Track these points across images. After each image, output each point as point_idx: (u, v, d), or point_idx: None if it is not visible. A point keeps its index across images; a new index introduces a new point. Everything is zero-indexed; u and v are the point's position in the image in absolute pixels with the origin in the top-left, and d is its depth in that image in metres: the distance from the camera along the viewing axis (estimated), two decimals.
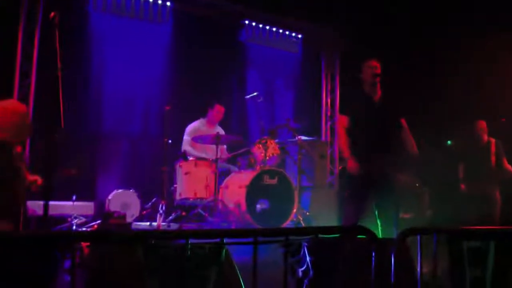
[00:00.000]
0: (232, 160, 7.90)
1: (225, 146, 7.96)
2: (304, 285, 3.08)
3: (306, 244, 2.99)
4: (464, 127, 7.32)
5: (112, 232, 2.74)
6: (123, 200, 7.23)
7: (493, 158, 6.92)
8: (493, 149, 6.96)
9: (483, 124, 7.05)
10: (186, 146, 7.62)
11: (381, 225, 4.88)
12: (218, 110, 7.73)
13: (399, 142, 4.97)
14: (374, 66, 5.03)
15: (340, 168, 5.16)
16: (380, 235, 4.84)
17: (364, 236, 2.78)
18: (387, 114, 4.98)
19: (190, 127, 7.73)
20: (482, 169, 6.88)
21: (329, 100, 10.54)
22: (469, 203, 6.89)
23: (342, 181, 5.21)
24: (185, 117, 8.00)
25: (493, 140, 7.02)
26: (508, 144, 7.03)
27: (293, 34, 10.27)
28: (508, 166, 6.95)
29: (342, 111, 5.24)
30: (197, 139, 7.34)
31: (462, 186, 6.95)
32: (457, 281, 3.46)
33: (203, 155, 7.44)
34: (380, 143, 4.91)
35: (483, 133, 7.04)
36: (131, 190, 7.35)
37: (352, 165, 4.82)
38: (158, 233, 3.00)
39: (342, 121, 5.06)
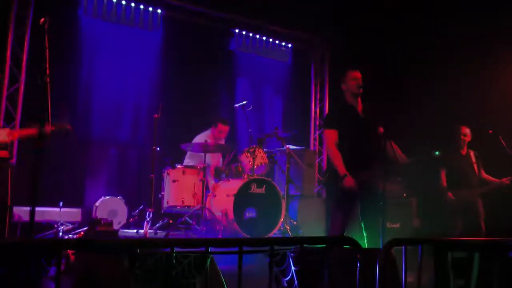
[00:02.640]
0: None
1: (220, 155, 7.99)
2: None
3: (291, 254, 3.00)
4: (448, 134, 7.33)
5: (97, 241, 2.74)
6: (110, 207, 7.21)
7: (475, 168, 6.96)
8: (473, 159, 6.99)
9: (466, 130, 7.04)
10: (188, 159, 7.65)
11: (367, 236, 4.89)
12: (220, 130, 7.63)
13: (385, 152, 4.96)
14: (358, 77, 5.00)
15: (325, 177, 5.08)
16: (366, 246, 4.86)
17: (349, 247, 2.80)
18: (372, 124, 4.98)
19: (198, 138, 7.63)
20: (467, 178, 6.90)
21: (318, 110, 10.59)
22: (455, 213, 6.90)
23: (328, 191, 5.13)
24: (174, 125, 8.02)
25: (471, 151, 7.04)
26: (497, 154, 7.04)
27: (283, 44, 10.31)
28: (488, 176, 7.00)
29: (329, 125, 5.08)
30: (185, 147, 7.34)
31: (450, 195, 6.91)
32: None
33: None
34: (366, 154, 4.92)
35: (467, 139, 7.02)
36: (118, 197, 7.34)
37: (350, 182, 4.73)
38: (143, 242, 3.00)
39: (331, 135, 4.95)
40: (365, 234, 4.87)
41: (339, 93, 5.20)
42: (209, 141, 7.35)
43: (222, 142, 7.79)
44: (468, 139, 7.00)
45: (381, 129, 4.98)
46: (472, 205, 6.80)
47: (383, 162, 4.90)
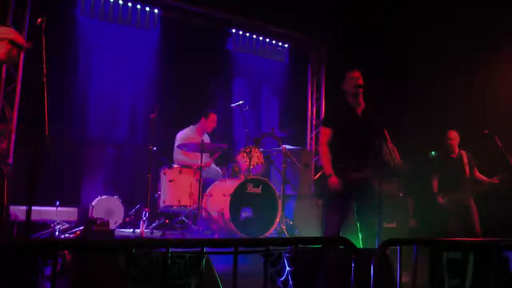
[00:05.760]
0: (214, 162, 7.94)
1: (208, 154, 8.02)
2: None
3: (286, 254, 3.01)
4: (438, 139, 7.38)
5: (92, 241, 2.75)
6: (107, 207, 7.21)
7: (467, 169, 6.99)
8: (465, 160, 7.03)
9: (452, 134, 7.09)
10: (177, 155, 7.62)
11: (362, 237, 4.90)
12: (212, 119, 7.74)
13: (382, 153, 4.97)
14: (356, 77, 5.03)
15: (317, 176, 5.08)
16: (361, 246, 4.87)
17: (343, 247, 2.82)
18: (369, 125, 4.99)
19: (181, 134, 7.72)
20: (458, 181, 6.94)
21: (314, 110, 10.62)
22: (449, 216, 6.95)
23: (320, 191, 5.14)
24: (171, 124, 8.02)
25: (463, 152, 7.09)
26: (493, 154, 7.05)
27: (280, 44, 10.33)
28: (481, 176, 7.04)
29: (324, 123, 5.18)
30: (182, 146, 7.35)
31: (440, 199, 6.99)
32: None
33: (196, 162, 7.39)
34: (362, 154, 4.94)
35: (455, 143, 7.08)
36: (115, 197, 7.34)
37: (334, 182, 4.79)
38: (138, 242, 3.01)
39: (325, 133, 5.03)
40: (360, 235, 4.89)
41: (336, 93, 5.23)
42: (194, 136, 7.52)
43: (208, 139, 7.84)
44: (455, 142, 7.06)
45: (385, 131, 5.00)
46: (464, 208, 6.85)
47: (379, 163, 4.91)
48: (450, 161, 7.07)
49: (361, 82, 5.02)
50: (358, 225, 4.93)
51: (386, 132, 5.03)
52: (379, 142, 4.93)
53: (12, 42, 4.42)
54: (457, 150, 7.11)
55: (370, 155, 4.95)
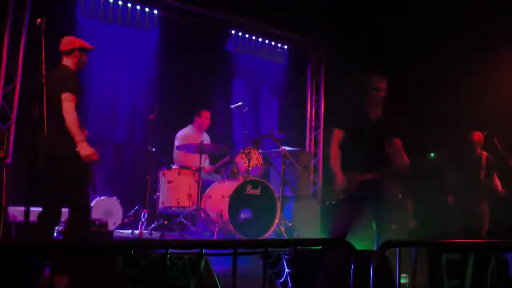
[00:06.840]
0: (215, 170, 7.95)
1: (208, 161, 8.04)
2: None
3: (285, 256, 3.01)
4: (456, 137, 7.26)
5: (91, 243, 2.74)
6: (105, 208, 7.19)
7: (483, 171, 6.81)
8: (483, 162, 6.85)
9: (477, 135, 6.84)
10: (177, 156, 7.63)
11: (378, 236, 4.86)
12: (205, 117, 7.82)
13: (392, 156, 4.92)
14: (383, 88, 4.93)
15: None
16: (375, 244, 4.86)
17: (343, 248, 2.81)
18: (382, 128, 4.94)
19: (180, 133, 7.74)
20: (472, 182, 6.77)
21: (313, 111, 10.60)
22: (455, 216, 6.86)
23: (328, 192, 5.08)
24: (170, 125, 8.01)
25: (484, 153, 6.83)
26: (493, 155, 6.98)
27: (279, 45, 10.32)
28: (497, 182, 6.80)
29: (337, 125, 5.06)
30: (181, 148, 7.34)
31: (450, 199, 6.87)
32: None
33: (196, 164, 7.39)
34: (375, 156, 4.88)
35: (478, 145, 6.91)
36: (114, 198, 7.33)
37: (340, 181, 4.75)
38: (137, 243, 3.00)
39: (337, 134, 4.93)
40: (376, 233, 4.84)
41: (336, 93, 5.21)
42: (193, 135, 7.58)
43: (207, 137, 7.86)
44: (479, 144, 6.84)
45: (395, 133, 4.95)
46: (474, 210, 6.69)
47: (388, 165, 4.87)
48: (468, 162, 6.89)
49: (385, 93, 4.94)
50: (374, 226, 4.88)
51: (398, 140, 4.96)
52: (389, 145, 4.89)
53: (81, 49, 4.65)
54: (478, 151, 6.92)
55: (382, 157, 4.90)
